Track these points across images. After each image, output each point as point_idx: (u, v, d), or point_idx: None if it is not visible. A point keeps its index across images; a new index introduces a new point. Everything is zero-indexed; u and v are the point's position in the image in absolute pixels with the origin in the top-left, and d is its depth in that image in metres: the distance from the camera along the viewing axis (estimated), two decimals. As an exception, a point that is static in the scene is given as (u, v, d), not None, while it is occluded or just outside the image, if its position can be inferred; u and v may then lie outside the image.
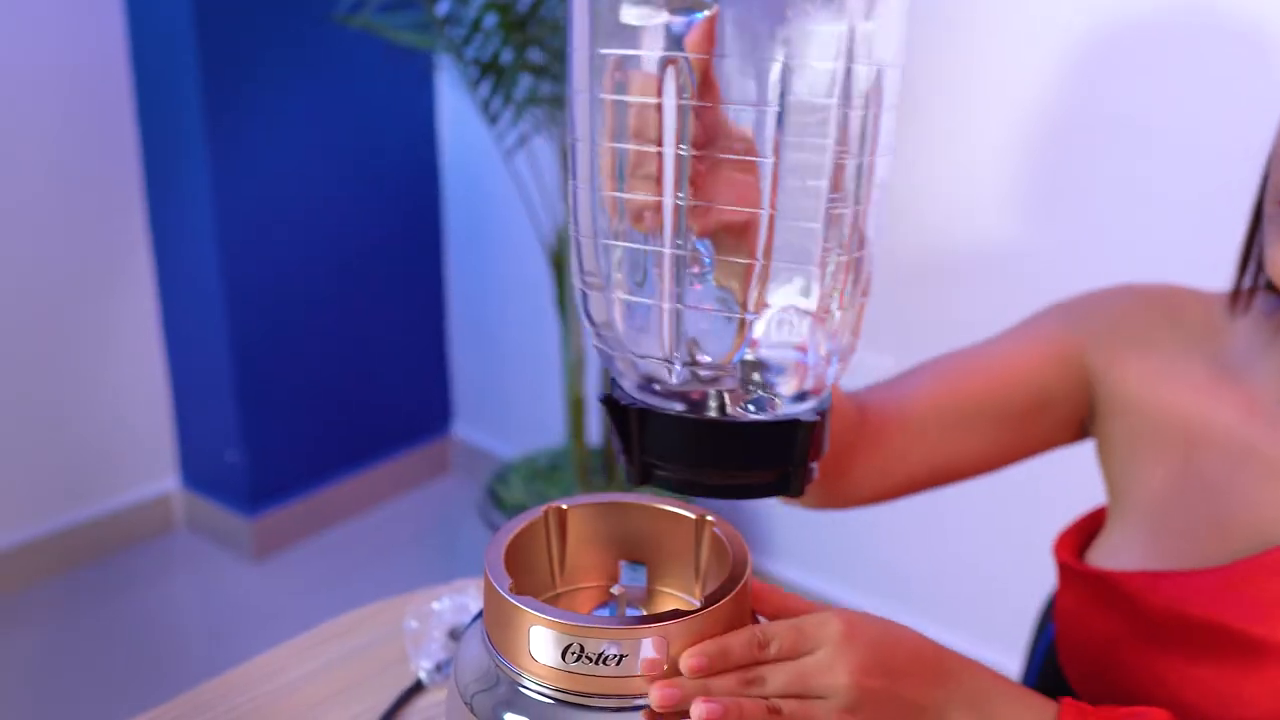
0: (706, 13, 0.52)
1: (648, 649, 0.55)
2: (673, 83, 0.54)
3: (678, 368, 0.57)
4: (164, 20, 2.11)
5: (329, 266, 2.40)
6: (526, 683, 0.57)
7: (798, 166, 0.55)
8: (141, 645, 2.11)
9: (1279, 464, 0.80)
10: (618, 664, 0.55)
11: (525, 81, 1.97)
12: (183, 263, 2.27)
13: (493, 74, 1.97)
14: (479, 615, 0.63)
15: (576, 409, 2.17)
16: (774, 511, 2.25)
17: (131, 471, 2.40)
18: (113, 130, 2.20)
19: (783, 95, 0.53)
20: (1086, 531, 0.91)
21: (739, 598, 0.58)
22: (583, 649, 0.55)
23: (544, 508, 0.65)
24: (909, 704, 0.60)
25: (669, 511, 0.66)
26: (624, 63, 0.56)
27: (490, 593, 0.59)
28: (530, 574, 0.65)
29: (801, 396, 0.59)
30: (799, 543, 2.18)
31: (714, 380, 0.57)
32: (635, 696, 0.56)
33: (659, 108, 0.54)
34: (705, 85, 0.54)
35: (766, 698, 0.57)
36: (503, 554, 0.61)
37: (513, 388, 2.60)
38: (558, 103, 1.97)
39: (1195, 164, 1.60)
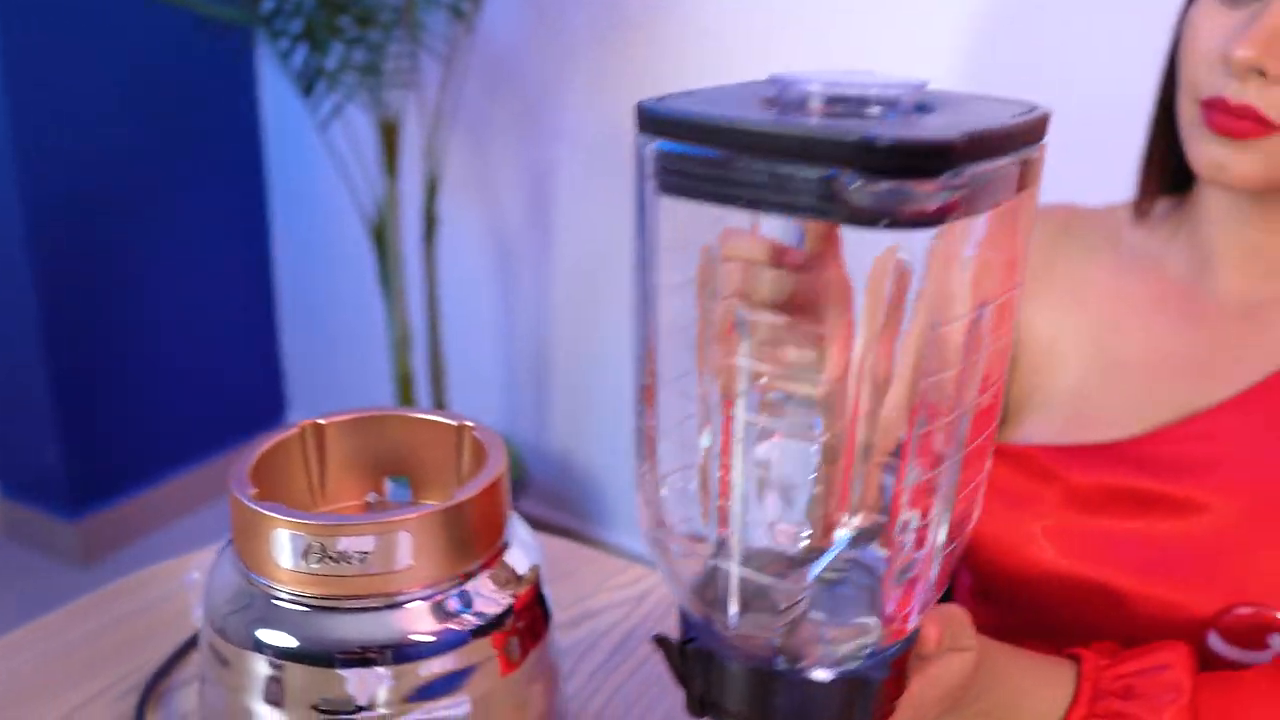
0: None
1: (395, 544, 0.54)
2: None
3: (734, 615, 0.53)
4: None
5: (149, 255, 2.31)
6: (277, 593, 0.56)
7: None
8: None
9: (1192, 345, 0.85)
10: (362, 562, 0.54)
11: (337, 50, 1.93)
12: (-17, 252, 2.16)
13: (305, 43, 1.92)
14: (229, 540, 0.61)
15: (404, 385, 2.14)
16: (612, 479, 2.26)
17: (-63, 476, 2.28)
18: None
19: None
20: None
21: (486, 494, 0.58)
22: (324, 549, 0.54)
23: (300, 423, 0.64)
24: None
25: (429, 421, 0.65)
26: None
27: (235, 506, 0.57)
28: (289, 495, 0.64)
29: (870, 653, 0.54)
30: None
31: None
32: (390, 595, 0.55)
33: None
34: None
35: None
36: (249, 468, 0.59)
37: (343, 368, 2.55)
38: (371, 70, 1.94)
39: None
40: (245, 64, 2.41)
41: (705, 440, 0.52)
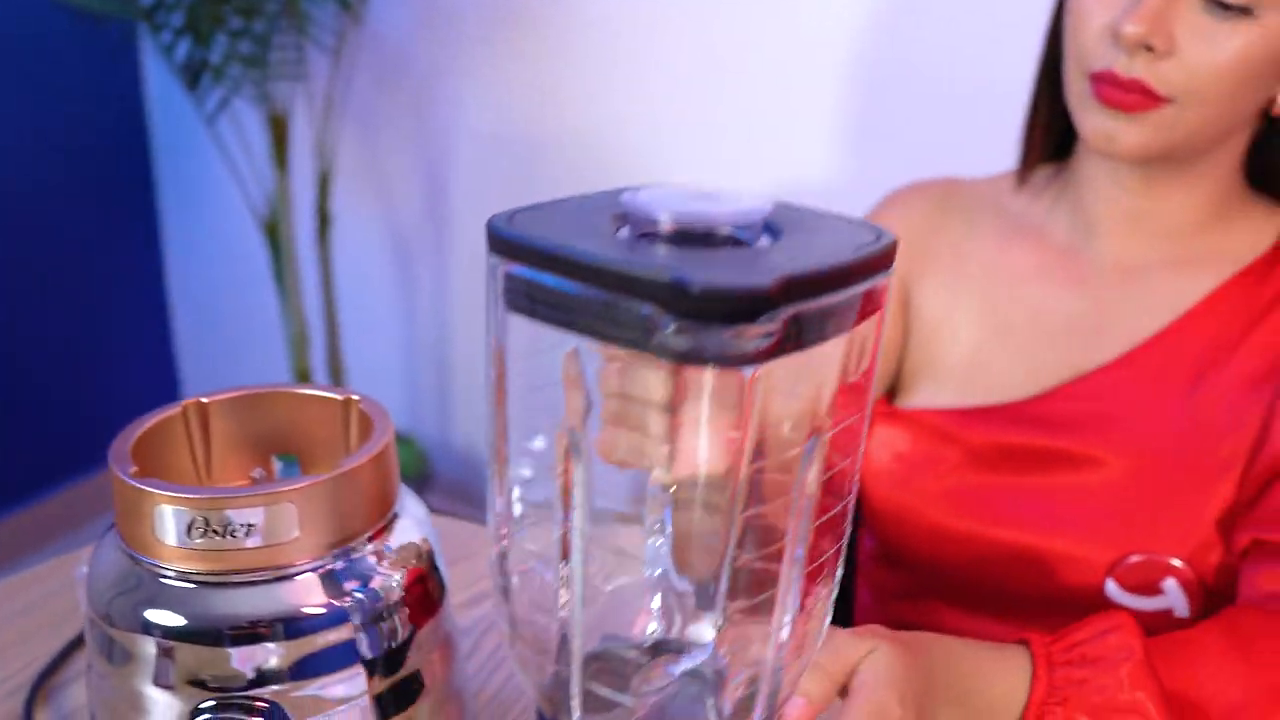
0: None
1: (282, 516, 0.54)
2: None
3: None
4: None
5: (30, 258, 2.24)
6: (163, 571, 0.55)
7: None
8: None
9: (1078, 308, 0.88)
10: (248, 535, 0.54)
11: (222, 43, 1.90)
12: None
13: (188, 36, 1.88)
14: (112, 524, 0.60)
15: (303, 381, 2.11)
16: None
17: None
18: None
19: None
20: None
21: (373, 464, 0.58)
22: (209, 523, 0.53)
23: (182, 403, 0.63)
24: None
25: (314, 396, 0.64)
26: None
27: (117, 485, 0.56)
28: (173, 475, 0.63)
29: None
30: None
31: None
32: (279, 568, 0.55)
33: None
34: None
35: None
36: (130, 445, 0.58)
37: (239, 368, 2.51)
38: (255, 63, 1.91)
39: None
40: (128, 58, 2.35)
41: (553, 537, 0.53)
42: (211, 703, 0.55)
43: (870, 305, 0.48)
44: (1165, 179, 0.84)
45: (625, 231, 0.48)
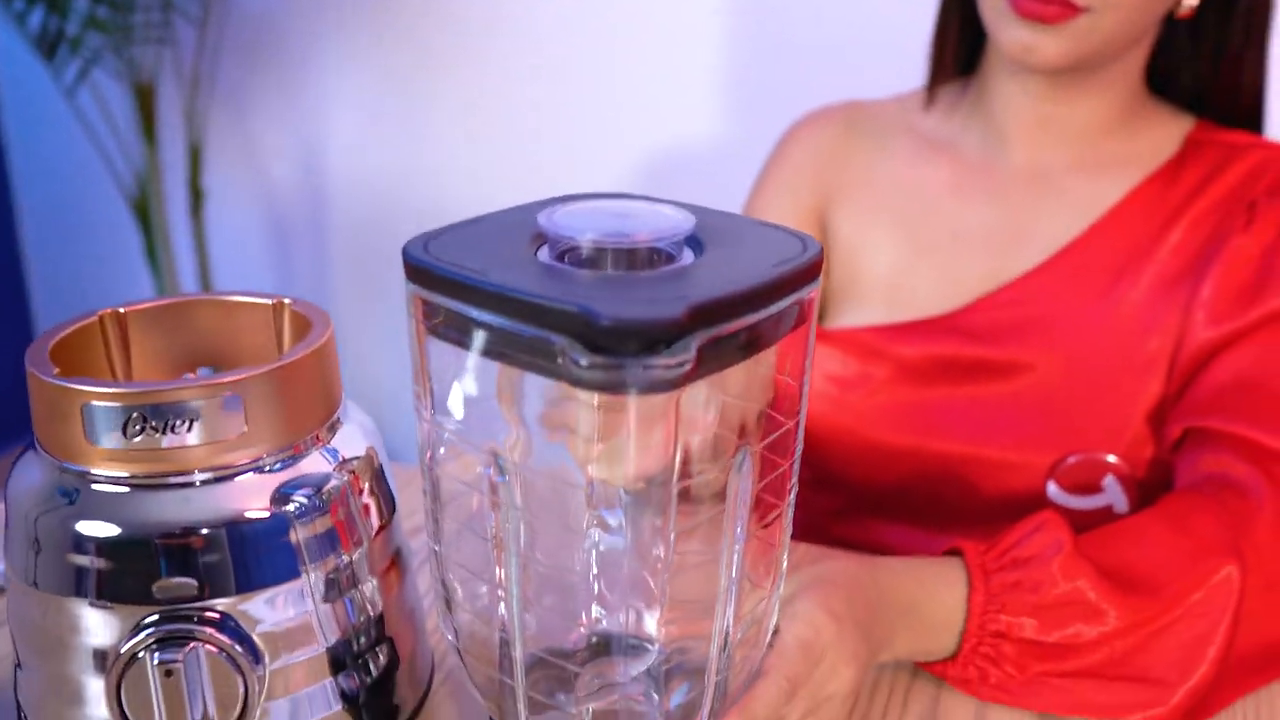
0: None
1: (224, 409, 0.50)
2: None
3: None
4: None
5: None
6: (95, 477, 0.51)
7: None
8: None
9: (996, 218, 0.88)
10: (188, 430, 0.50)
11: (80, 10, 1.81)
12: None
13: (41, 3, 1.79)
14: (28, 443, 0.56)
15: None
16: (407, 449, 2.21)
17: None
18: None
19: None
20: None
21: (316, 357, 0.55)
22: (146, 419, 0.50)
23: (98, 312, 0.59)
24: (876, 642, 0.62)
25: (242, 303, 0.61)
26: None
27: (38, 390, 0.52)
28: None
29: None
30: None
31: None
32: (221, 468, 0.51)
33: None
34: None
35: None
36: (46, 351, 0.54)
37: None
38: (116, 30, 1.82)
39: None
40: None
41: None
42: (154, 617, 0.51)
43: (801, 317, 0.47)
44: (1073, 85, 0.85)
45: (545, 252, 0.47)
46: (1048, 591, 0.64)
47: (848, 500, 0.92)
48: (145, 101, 1.90)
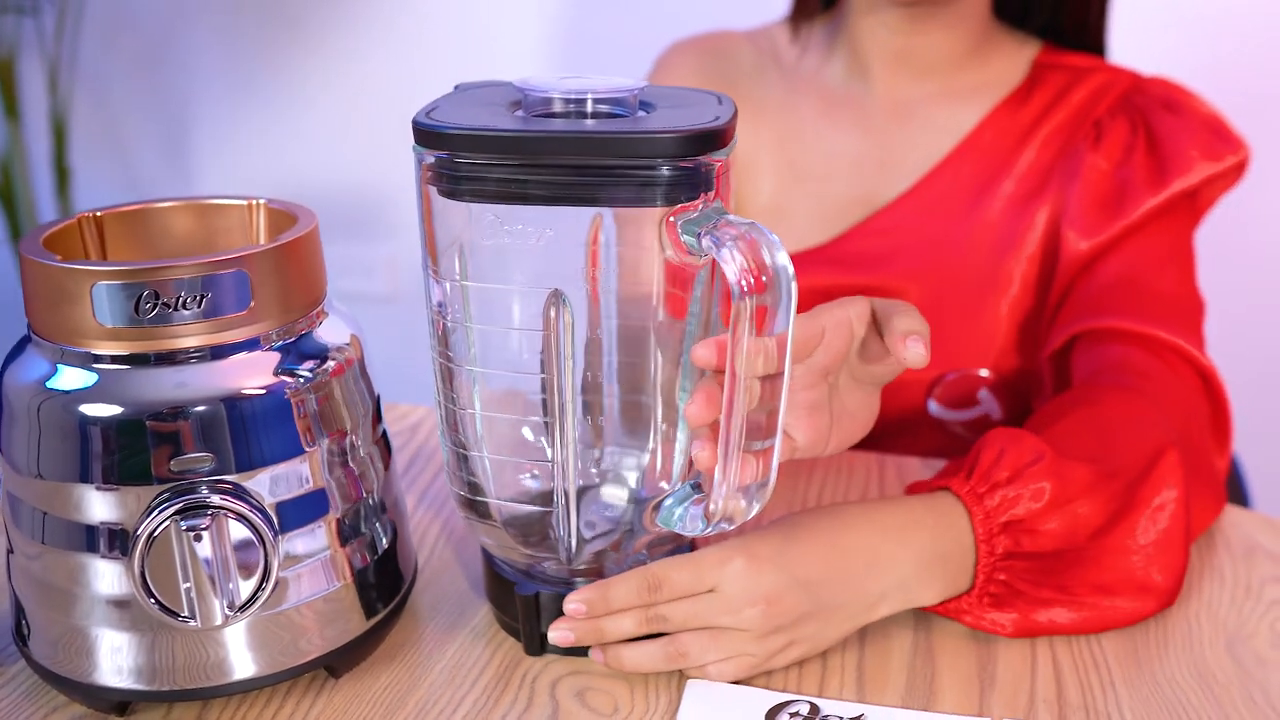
0: None
1: (232, 284, 0.52)
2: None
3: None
4: None
5: None
6: (101, 356, 0.52)
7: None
8: None
9: (862, 148, 0.93)
10: (200, 306, 0.52)
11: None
12: None
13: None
14: (24, 338, 0.56)
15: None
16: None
17: None
18: None
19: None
20: None
21: (309, 241, 0.57)
22: (157, 295, 0.51)
23: (76, 216, 0.59)
24: (833, 607, 0.60)
25: (215, 205, 0.62)
26: None
27: (38, 275, 0.52)
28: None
29: None
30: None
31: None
32: (229, 343, 0.53)
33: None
34: None
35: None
36: (41, 245, 0.55)
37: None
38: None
39: None
40: None
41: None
42: (165, 495, 0.53)
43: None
44: (928, 19, 0.91)
45: (520, 114, 0.55)
46: (1039, 501, 0.64)
47: None
48: (5, 76, 1.84)
